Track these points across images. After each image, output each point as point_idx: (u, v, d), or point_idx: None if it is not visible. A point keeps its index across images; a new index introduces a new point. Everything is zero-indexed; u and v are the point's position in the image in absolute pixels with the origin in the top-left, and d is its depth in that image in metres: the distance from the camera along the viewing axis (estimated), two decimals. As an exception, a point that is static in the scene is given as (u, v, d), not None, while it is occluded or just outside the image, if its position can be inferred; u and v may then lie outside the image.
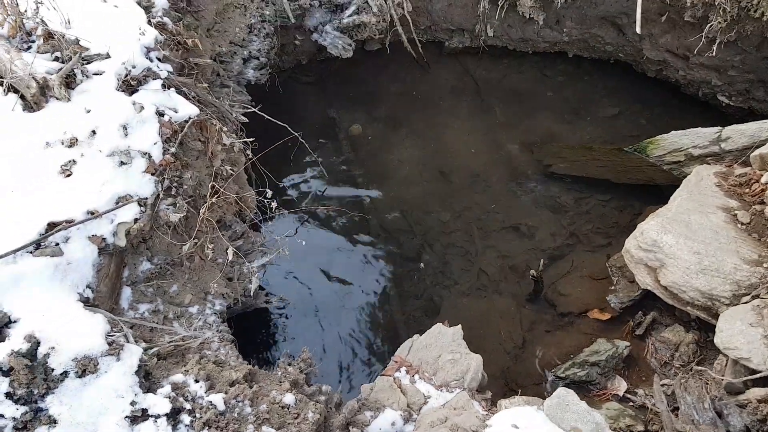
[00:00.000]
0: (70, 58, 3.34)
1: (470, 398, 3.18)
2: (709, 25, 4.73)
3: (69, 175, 2.99)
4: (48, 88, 3.24)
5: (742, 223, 3.82)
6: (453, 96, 6.10)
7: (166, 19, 4.09)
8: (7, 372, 2.29)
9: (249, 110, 3.99)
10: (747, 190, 4.03)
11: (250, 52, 5.01)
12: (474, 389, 3.34)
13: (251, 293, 3.29)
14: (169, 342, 2.74)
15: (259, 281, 3.31)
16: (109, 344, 2.49)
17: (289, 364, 2.99)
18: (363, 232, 5.10)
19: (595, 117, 5.75)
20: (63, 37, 3.49)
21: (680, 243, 3.76)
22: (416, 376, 3.35)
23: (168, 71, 3.65)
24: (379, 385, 3.26)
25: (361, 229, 5.12)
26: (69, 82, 3.31)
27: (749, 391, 3.17)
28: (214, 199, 3.15)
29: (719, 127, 4.54)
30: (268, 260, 3.61)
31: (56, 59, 3.44)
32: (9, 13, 3.53)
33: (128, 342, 2.57)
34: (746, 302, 3.45)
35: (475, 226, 5.10)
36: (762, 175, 3.94)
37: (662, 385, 3.72)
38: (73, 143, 3.08)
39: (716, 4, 4.59)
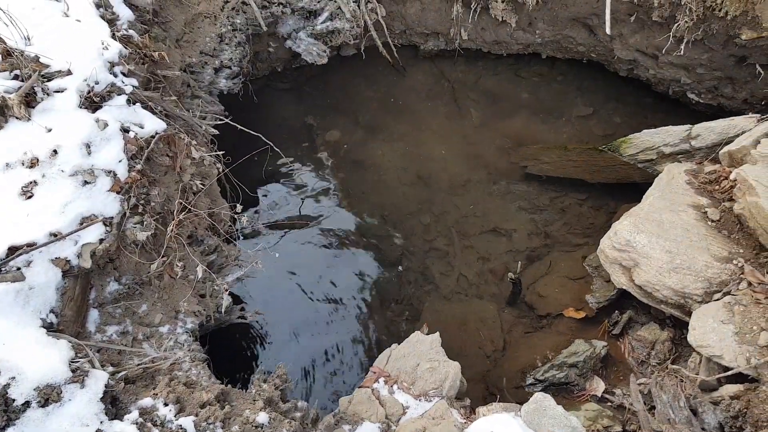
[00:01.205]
0: (30, 76, 3.26)
1: (449, 407, 3.17)
2: (676, 24, 4.77)
3: (30, 197, 2.91)
4: (7, 108, 3.15)
5: (713, 221, 3.86)
6: (429, 99, 6.09)
7: (131, 32, 4.02)
8: (-35, 405, 2.22)
9: (220, 122, 3.93)
10: (716, 187, 4.06)
11: (221, 61, 4.94)
12: (453, 397, 3.33)
13: (223, 309, 3.24)
14: (138, 365, 2.69)
15: (230, 299, 3.25)
16: (73, 371, 2.43)
17: (264, 381, 2.96)
18: (342, 239, 5.07)
19: (569, 117, 5.78)
20: (22, 54, 3.41)
21: (653, 242, 3.79)
22: (395, 387, 3.34)
23: (133, 86, 3.59)
24: (357, 398, 3.23)
25: (340, 235, 5.09)
26: (29, 100, 3.24)
27: (722, 388, 3.20)
28: (182, 216, 3.09)
29: (689, 125, 4.58)
30: (243, 274, 3.56)
31: (15, 77, 3.36)
32: (-35, 31, 3.45)
33: (94, 367, 2.51)
34: (718, 299, 3.49)
35: (454, 230, 5.09)
36: (731, 172, 3.98)
37: (639, 384, 3.74)
38: (33, 164, 3.00)
39: (683, 3, 4.63)
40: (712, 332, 3.30)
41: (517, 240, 4.97)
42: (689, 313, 3.59)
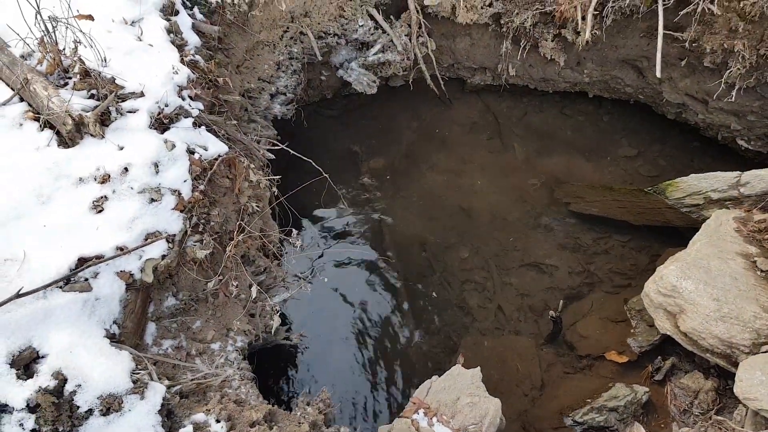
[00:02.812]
0: (106, 96, 3.45)
1: (488, 444, 3.16)
2: (728, 71, 4.76)
3: (100, 211, 3.07)
4: (83, 125, 3.34)
5: (762, 271, 3.80)
6: (474, 132, 6.18)
7: (197, 57, 4.22)
8: (34, 408, 2.33)
9: (276, 147, 4.08)
10: (766, 237, 4.00)
11: (277, 87, 5.14)
12: (492, 434, 3.32)
13: (272, 330, 3.32)
14: (192, 380, 2.78)
15: (279, 320, 3.34)
16: (134, 382, 2.53)
17: (308, 404, 3.01)
18: (383, 268, 5.13)
19: (614, 157, 5.78)
20: (99, 75, 3.62)
21: (700, 289, 3.74)
22: (434, 419, 3.34)
23: (199, 109, 3.76)
24: (397, 427, 3.25)
25: (381, 265, 5.15)
26: (104, 119, 3.42)
27: (770, 444, 3.12)
28: (240, 237, 3.21)
29: (738, 172, 4.53)
30: (290, 295, 3.64)
31: (92, 96, 3.56)
32: (48, 50, 3.68)
33: (152, 380, 2.61)
34: (766, 351, 3.42)
35: (493, 263, 5.11)
36: (783, 222, 3.93)
37: (682, 434, 3.67)
38: (105, 180, 3.17)
39: (736, 51, 4.63)
40: (760, 385, 3.23)
41: (557, 277, 4.95)
42: (735, 364, 3.52)
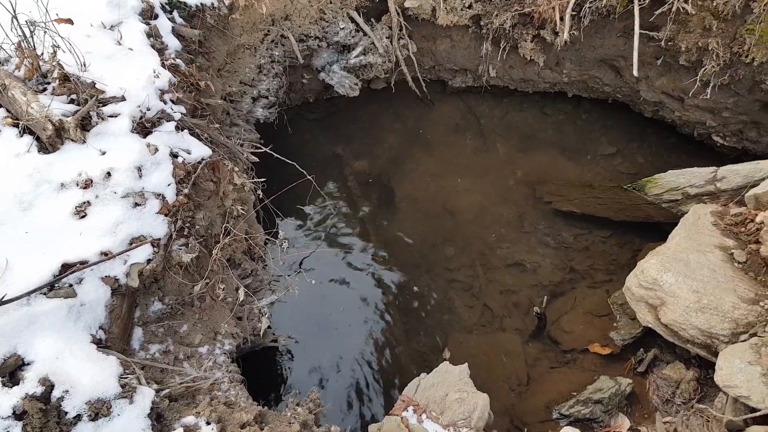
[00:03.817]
0: (86, 101, 3.42)
1: (477, 439, 3.20)
2: (703, 69, 4.89)
3: (83, 217, 3.03)
4: (64, 130, 3.30)
5: (739, 262, 3.89)
6: (456, 133, 6.24)
7: (179, 61, 4.20)
8: (21, 416, 2.30)
9: (260, 150, 4.08)
10: (743, 230, 4.11)
11: (259, 91, 5.13)
12: (481, 428, 3.35)
13: (260, 332, 3.32)
14: (180, 383, 2.76)
15: (268, 322, 3.34)
16: (122, 387, 2.51)
17: (298, 404, 3.01)
18: (369, 269, 5.15)
19: (594, 155, 5.88)
20: (79, 80, 3.58)
21: (679, 281, 3.82)
22: (423, 416, 3.37)
23: (181, 113, 3.74)
24: (386, 426, 3.27)
25: (367, 265, 5.17)
26: (85, 124, 3.39)
27: (749, 429, 3.20)
28: (227, 240, 3.20)
29: (714, 167, 4.65)
30: (277, 298, 3.64)
31: (72, 101, 3.52)
32: (26, 55, 3.63)
33: (140, 384, 2.60)
34: (744, 340, 3.51)
35: (478, 262, 5.16)
36: (757, 215, 4.03)
37: (664, 423, 3.74)
38: (87, 185, 3.14)
39: (710, 49, 4.75)
40: (739, 373, 3.31)
41: (541, 274, 5.02)
42: (715, 354, 3.60)
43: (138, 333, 2.99)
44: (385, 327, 4.74)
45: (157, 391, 2.65)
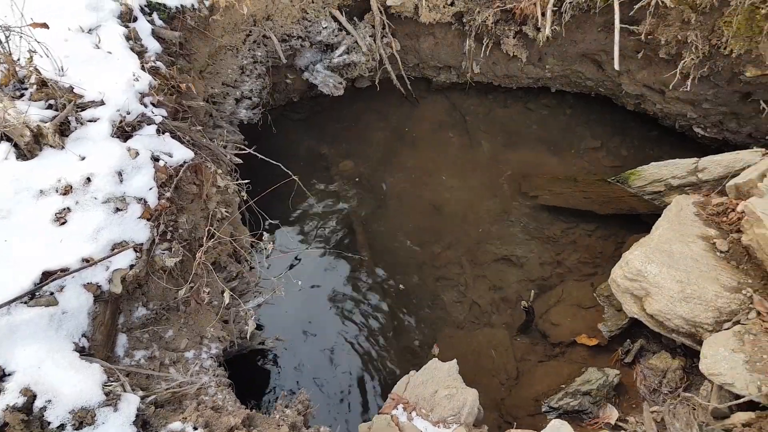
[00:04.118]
0: (65, 106, 3.38)
1: (467, 434, 3.20)
2: (682, 61, 4.93)
3: (63, 223, 3.00)
4: (42, 136, 3.26)
5: (721, 252, 3.94)
6: (441, 130, 6.24)
7: (159, 64, 4.16)
8: (2, 428, 2.27)
9: (244, 151, 4.05)
10: (724, 219, 4.16)
11: (242, 92, 5.09)
12: (471, 424, 3.36)
13: (247, 335, 3.30)
14: (166, 389, 2.74)
15: (255, 325, 3.32)
16: (106, 394, 2.48)
17: (287, 406, 3.00)
18: (356, 268, 5.15)
19: (578, 149, 5.91)
20: (57, 85, 3.53)
21: (663, 272, 3.87)
22: (413, 413, 3.37)
23: (162, 116, 3.71)
24: (377, 424, 3.27)
25: (354, 264, 5.17)
26: (63, 129, 3.35)
27: (734, 416, 3.26)
28: (210, 243, 3.18)
29: (696, 159, 4.70)
30: (264, 300, 3.63)
31: (50, 107, 3.47)
32: (1, 61, 3.58)
33: (125, 391, 2.57)
34: (728, 328, 3.56)
35: (466, 258, 5.17)
36: (738, 204, 4.08)
37: (652, 412, 3.78)
38: (67, 191, 3.10)
39: (689, 42, 4.80)
40: (723, 360, 3.36)
41: (528, 269, 5.05)
42: (700, 342, 3.65)
43: (122, 339, 2.96)
44: (374, 325, 4.74)
45: (143, 397, 2.62)
